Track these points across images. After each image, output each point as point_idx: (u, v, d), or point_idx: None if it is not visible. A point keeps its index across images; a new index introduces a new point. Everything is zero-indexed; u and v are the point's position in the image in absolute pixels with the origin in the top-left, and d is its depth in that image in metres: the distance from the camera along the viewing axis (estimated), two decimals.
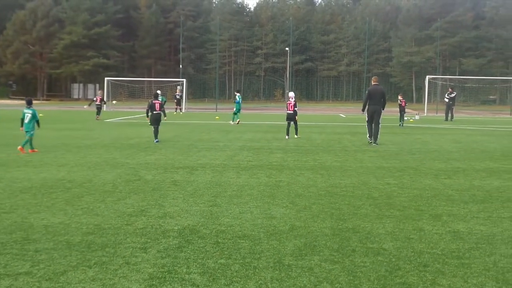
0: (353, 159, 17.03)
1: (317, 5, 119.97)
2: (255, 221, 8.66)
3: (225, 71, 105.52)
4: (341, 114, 46.99)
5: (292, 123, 24.61)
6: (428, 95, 60.67)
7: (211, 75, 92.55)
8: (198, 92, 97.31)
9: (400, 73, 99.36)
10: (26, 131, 18.05)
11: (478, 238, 7.85)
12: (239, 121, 34.67)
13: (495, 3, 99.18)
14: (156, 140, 21.80)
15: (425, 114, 51.93)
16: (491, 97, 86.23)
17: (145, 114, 23.39)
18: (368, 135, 22.55)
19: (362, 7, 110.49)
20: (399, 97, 36.75)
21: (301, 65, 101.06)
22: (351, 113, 53.09)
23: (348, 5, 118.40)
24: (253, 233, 7.98)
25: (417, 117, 43.63)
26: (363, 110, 22.94)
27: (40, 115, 21.13)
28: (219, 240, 7.57)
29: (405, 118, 37.16)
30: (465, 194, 11.20)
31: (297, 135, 24.85)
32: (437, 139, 24.76)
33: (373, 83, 22.99)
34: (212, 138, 24.01)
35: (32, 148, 17.88)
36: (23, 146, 17.81)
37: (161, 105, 22.98)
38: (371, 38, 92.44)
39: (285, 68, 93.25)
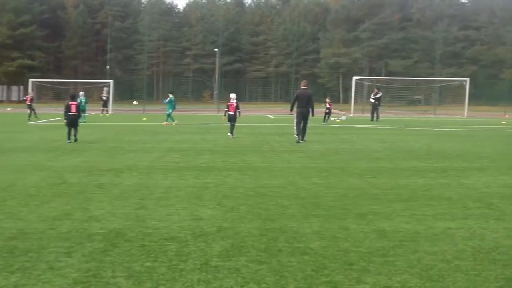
0: (280, 159, 17.12)
1: (246, 6, 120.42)
2: (182, 223, 8.60)
3: (154, 72, 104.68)
4: (269, 115, 47.21)
5: (234, 123, 25.34)
6: (354, 96, 61.57)
7: (139, 76, 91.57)
8: (126, 94, 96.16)
9: (327, 74, 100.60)
10: None
11: (402, 236, 7.99)
12: (168, 123, 34.47)
13: (421, 5, 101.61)
14: (69, 140, 21.75)
15: (352, 115, 52.68)
16: (416, 97, 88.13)
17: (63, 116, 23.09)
18: (296, 133, 23.16)
19: (291, 9, 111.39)
20: (327, 100, 37.86)
21: (230, 66, 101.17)
22: (279, 114, 53.41)
23: (278, 7, 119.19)
24: (180, 235, 7.92)
25: (344, 117, 44.22)
26: (291, 110, 23.76)
27: None
28: (145, 243, 7.49)
29: (332, 118, 38.16)
30: (390, 193, 11.39)
31: (231, 134, 25.41)
32: (363, 139, 25.14)
33: (302, 86, 23.62)
34: (139, 139, 23.78)
35: None
36: None
37: (78, 107, 22.77)
38: (300, 39, 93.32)
39: (214, 69, 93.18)
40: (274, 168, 15.11)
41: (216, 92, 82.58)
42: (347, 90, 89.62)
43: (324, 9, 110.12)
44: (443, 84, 73.73)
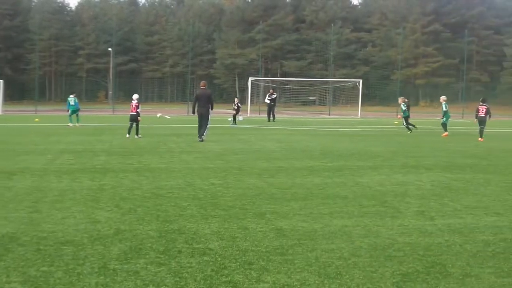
0: (178, 160, 17.03)
1: (140, 5, 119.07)
2: (78, 226, 8.40)
3: (46, 72, 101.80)
4: (166, 116, 46.83)
5: (134, 124, 25.42)
6: (251, 96, 61.99)
7: (31, 76, 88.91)
8: (17, 94, 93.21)
9: (223, 74, 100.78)
10: None
11: (300, 235, 8.09)
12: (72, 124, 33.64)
13: (314, 7, 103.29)
14: None
15: (248, 115, 52.98)
16: (311, 98, 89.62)
17: None
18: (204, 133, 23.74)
19: (186, 9, 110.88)
20: (236, 101, 38.99)
21: (125, 66, 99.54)
22: (176, 115, 53.11)
23: (172, 6, 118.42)
24: (76, 238, 7.73)
25: (240, 118, 44.32)
26: (193, 113, 24.42)
27: None
28: (41, 247, 7.27)
29: (229, 119, 38.56)
30: (287, 192, 11.52)
31: (137, 135, 25.41)
32: (260, 139, 25.36)
33: (201, 87, 24.28)
34: (32, 141, 23.09)
35: None
36: None
37: None
38: (195, 39, 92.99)
39: (109, 69, 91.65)
40: (171, 169, 15.01)
41: (111, 92, 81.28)
42: (243, 90, 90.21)
43: (219, 10, 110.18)
44: (337, 85, 75.31)
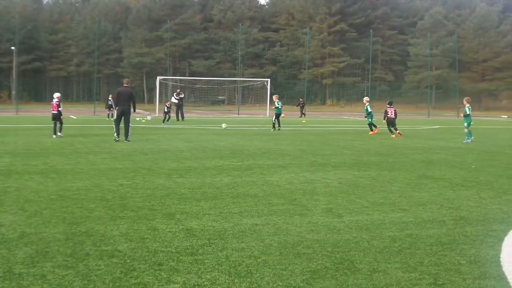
0: (85, 161, 16.70)
1: (44, 2, 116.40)
2: None
3: None
4: (71, 116, 45.94)
5: (57, 122, 25.59)
6: (159, 96, 61.60)
7: None
8: None
9: (131, 73, 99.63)
10: None
11: (210, 234, 8.07)
12: None
13: (222, 7, 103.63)
14: None
15: (157, 115, 52.61)
16: (220, 97, 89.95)
17: None
18: (115, 133, 23.71)
19: (91, 7, 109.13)
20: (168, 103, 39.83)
21: (29, 65, 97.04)
22: (83, 115, 52.19)
23: (77, 4, 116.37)
24: None
25: (149, 117, 44.04)
26: (115, 106, 24.66)
27: None
28: None
29: (137, 118, 38.27)
30: (197, 192, 11.49)
31: (60, 132, 25.59)
32: (169, 139, 25.22)
33: (124, 84, 24.55)
34: None
35: None
36: None
37: None
38: (101, 38, 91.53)
39: (11, 68, 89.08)
40: (78, 170, 14.69)
41: (14, 92, 79.01)
42: (152, 90, 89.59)
43: (125, 8, 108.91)
44: (246, 85, 75.78)
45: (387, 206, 10.35)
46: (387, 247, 7.57)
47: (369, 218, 9.32)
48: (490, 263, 6.93)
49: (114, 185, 12.21)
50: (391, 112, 29.49)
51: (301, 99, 60.60)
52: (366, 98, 33.18)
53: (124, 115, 23.74)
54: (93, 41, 79.01)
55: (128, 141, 23.21)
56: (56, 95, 26.54)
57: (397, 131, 28.90)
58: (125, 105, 23.75)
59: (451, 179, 14.03)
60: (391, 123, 29.25)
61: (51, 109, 25.80)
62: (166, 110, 39.60)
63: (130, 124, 23.96)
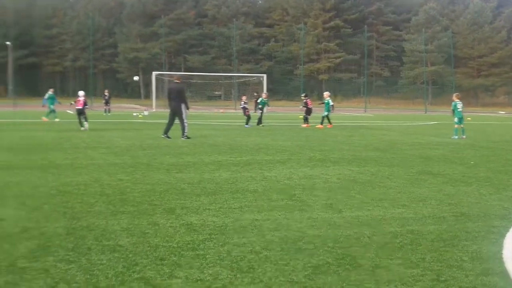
0: (84, 156, 16.68)
1: None
2: None
3: None
4: (68, 111, 45.77)
5: (81, 116, 27.44)
6: (156, 91, 61.51)
7: None
8: None
9: (126, 69, 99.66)
10: None
11: (211, 229, 8.05)
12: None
13: (216, 2, 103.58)
14: None
15: (154, 110, 52.56)
16: (216, 92, 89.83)
17: None
18: (164, 134, 23.53)
19: (85, 2, 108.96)
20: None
21: (25, 60, 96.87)
22: None
23: (71, 0, 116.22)
24: None
25: (146, 112, 44.05)
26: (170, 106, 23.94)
27: None
28: None
29: (134, 114, 38.12)
30: (197, 187, 11.47)
31: (86, 123, 27.24)
32: None
33: (174, 80, 24.45)
34: None
35: None
36: None
37: None
38: (96, 33, 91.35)
39: (7, 63, 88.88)
40: (77, 165, 14.66)
41: (11, 87, 78.83)
42: (148, 85, 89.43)
43: (119, 4, 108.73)
44: (242, 80, 75.71)
45: (387, 202, 10.34)
46: (389, 243, 7.56)
47: (369, 214, 9.31)
48: (492, 260, 6.92)
49: (114, 180, 12.18)
50: (310, 103, 34.03)
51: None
52: (326, 93, 35.52)
53: (175, 114, 23.40)
54: (88, 36, 78.79)
55: (186, 138, 23.00)
56: (81, 93, 28.27)
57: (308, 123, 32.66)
58: (175, 101, 23.30)
59: (450, 175, 14.05)
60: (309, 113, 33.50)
61: (76, 105, 27.57)
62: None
63: (185, 121, 23.44)
